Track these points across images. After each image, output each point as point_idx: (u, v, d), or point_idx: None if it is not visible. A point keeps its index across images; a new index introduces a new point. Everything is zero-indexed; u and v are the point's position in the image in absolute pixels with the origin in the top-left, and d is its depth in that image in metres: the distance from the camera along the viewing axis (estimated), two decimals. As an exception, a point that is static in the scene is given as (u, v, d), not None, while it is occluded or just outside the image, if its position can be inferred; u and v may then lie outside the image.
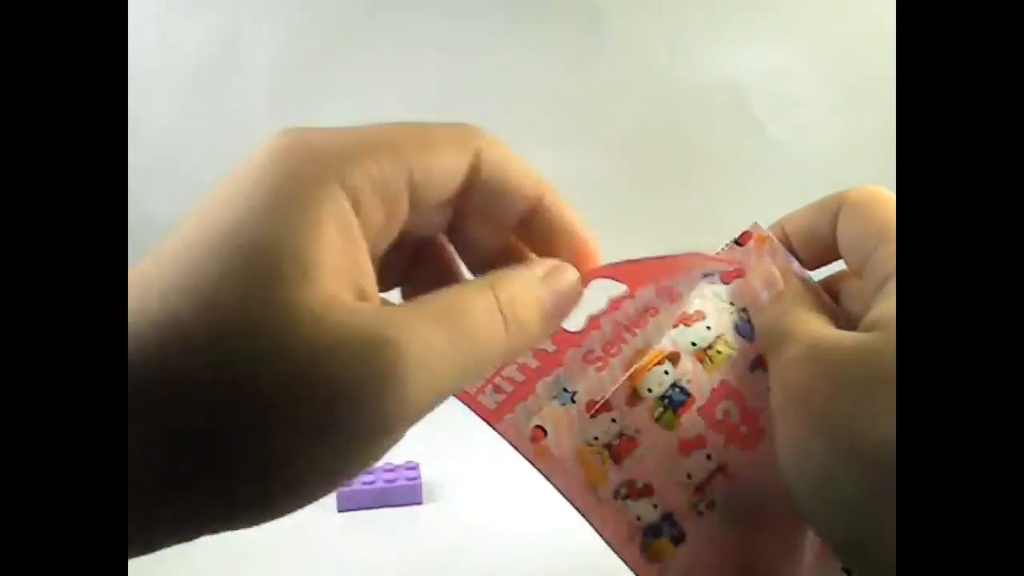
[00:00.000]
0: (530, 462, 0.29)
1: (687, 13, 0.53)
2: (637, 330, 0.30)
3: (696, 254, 0.30)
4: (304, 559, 0.38)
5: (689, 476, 0.29)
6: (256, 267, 0.19)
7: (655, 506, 0.28)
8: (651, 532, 0.29)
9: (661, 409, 0.29)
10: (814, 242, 0.27)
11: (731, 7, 0.53)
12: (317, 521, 0.42)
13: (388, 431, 0.20)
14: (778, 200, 0.53)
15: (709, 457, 0.29)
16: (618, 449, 0.29)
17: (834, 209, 0.26)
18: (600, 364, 0.30)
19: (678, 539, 0.29)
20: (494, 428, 0.29)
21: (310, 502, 0.20)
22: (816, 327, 0.25)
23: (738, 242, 0.30)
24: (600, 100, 0.54)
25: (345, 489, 0.43)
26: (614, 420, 0.28)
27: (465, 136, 0.24)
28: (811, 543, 0.28)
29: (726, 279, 0.30)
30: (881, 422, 0.20)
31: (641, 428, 0.29)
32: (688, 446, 0.29)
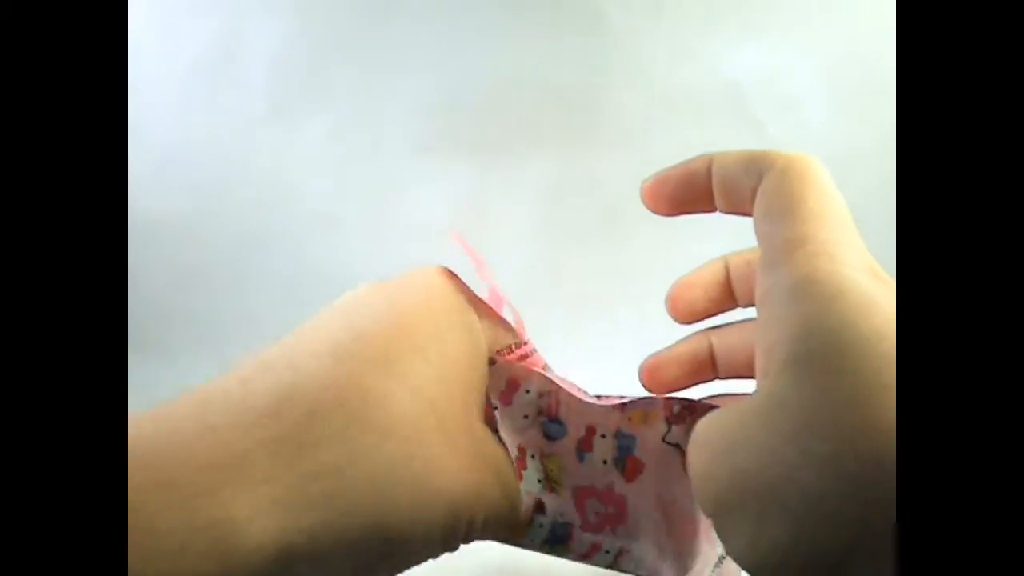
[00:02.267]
0: None
1: (687, 13, 0.53)
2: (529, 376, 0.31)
3: None
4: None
5: (597, 564, 0.30)
6: (435, 363, 0.25)
7: None
8: None
9: (549, 549, 0.31)
10: (730, 192, 0.26)
11: (731, 7, 0.53)
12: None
13: (469, 535, 0.26)
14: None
15: (607, 552, 0.30)
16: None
17: (761, 165, 0.25)
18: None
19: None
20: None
21: None
22: (710, 425, 0.24)
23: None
24: (600, 100, 0.54)
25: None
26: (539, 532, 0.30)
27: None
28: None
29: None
30: (834, 472, 0.19)
31: (537, 551, 0.30)
32: (587, 556, 0.31)
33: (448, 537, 0.25)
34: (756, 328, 0.23)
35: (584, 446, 0.31)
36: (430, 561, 0.39)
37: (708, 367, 0.30)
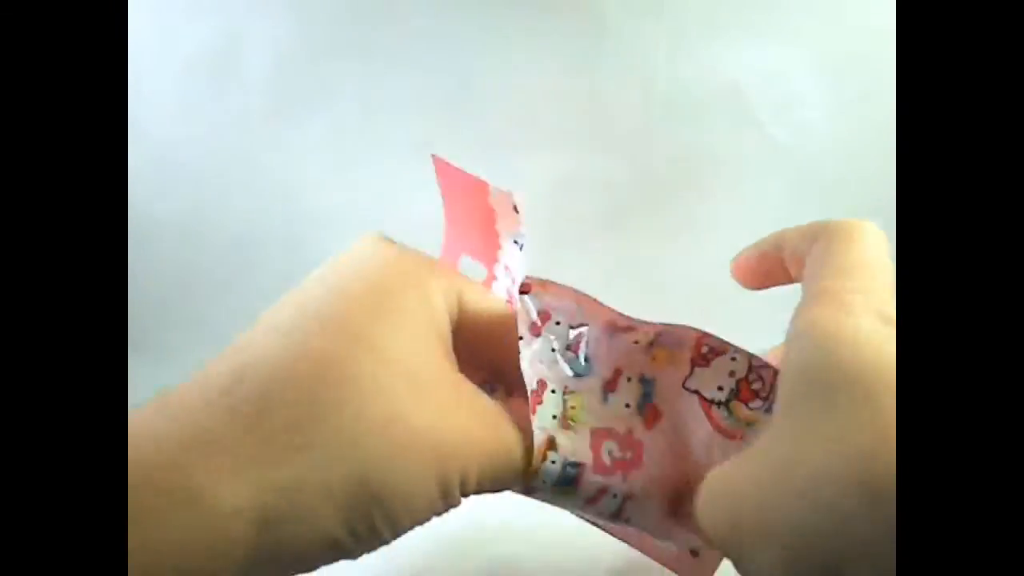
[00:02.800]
0: None
1: (687, 13, 0.53)
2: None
3: None
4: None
5: (602, 513, 0.30)
6: (397, 327, 0.25)
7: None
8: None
9: (560, 491, 0.30)
10: (796, 262, 0.28)
11: (731, 7, 0.53)
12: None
13: (464, 489, 0.27)
14: (778, 200, 0.53)
15: (615, 496, 0.30)
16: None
17: (815, 236, 0.26)
18: None
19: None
20: None
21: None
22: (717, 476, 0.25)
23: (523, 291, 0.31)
24: (600, 100, 0.54)
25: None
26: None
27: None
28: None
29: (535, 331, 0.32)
30: (827, 510, 0.20)
31: (548, 501, 0.30)
32: (594, 500, 0.30)
33: (445, 489, 0.25)
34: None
35: (609, 387, 0.31)
36: (431, 559, 0.39)
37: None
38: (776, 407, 0.23)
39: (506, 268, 0.32)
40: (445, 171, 0.33)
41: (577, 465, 0.29)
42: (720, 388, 0.30)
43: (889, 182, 0.27)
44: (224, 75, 0.54)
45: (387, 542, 0.25)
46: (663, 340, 0.31)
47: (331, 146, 0.56)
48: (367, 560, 0.39)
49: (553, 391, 0.31)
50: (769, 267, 0.29)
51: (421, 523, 0.26)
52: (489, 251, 0.32)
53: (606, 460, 0.30)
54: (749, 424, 0.30)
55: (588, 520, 0.32)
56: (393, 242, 0.28)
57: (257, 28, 0.53)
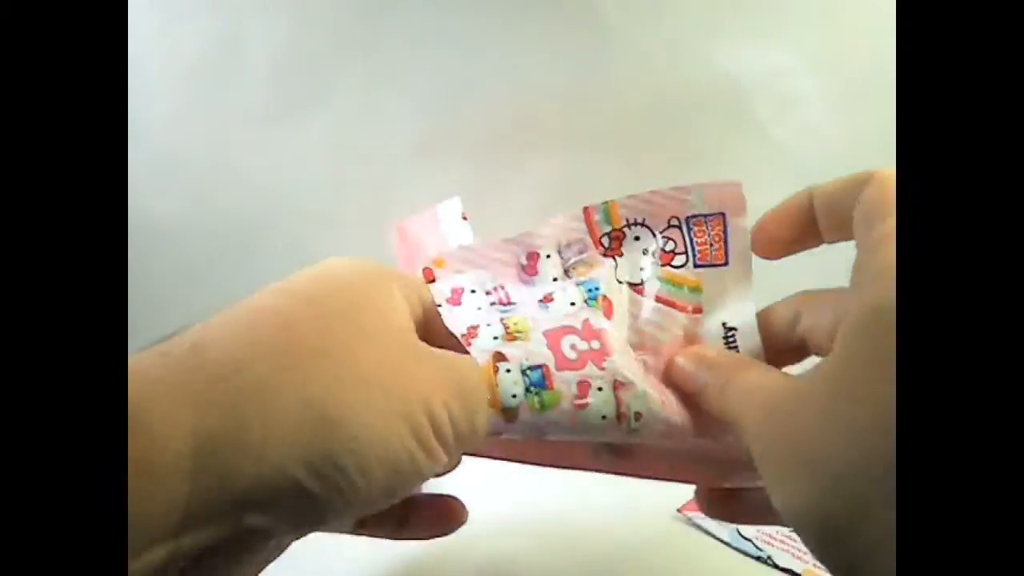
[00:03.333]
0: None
1: (687, 13, 0.53)
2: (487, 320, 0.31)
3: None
4: (304, 559, 0.38)
5: (603, 417, 0.28)
6: (348, 302, 0.26)
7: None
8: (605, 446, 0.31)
9: (536, 399, 0.28)
10: (833, 214, 0.28)
11: (731, 7, 0.53)
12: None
13: (438, 435, 0.25)
14: (778, 200, 0.53)
15: (600, 388, 0.28)
16: (549, 455, 0.31)
17: (862, 182, 0.26)
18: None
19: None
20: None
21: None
22: (750, 371, 0.26)
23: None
24: (600, 100, 0.54)
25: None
26: (513, 437, 0.28)
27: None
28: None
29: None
30: (860, 442, 0.20)
31: (540, 424, 0.28)
32: (580, 398, 0.28)
33: (414, 427, 0.24)
34: (845, 304, 0.24)
35: (545, 300, 0.31)
36: (429, 560, 0.39)
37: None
38: (841, 335, 0.23)
39: (465, 291, 0.32)
40: (403, 233, 0.34)
41: (539, 367, 0.28)
42: (642, 268, 0.31)
43: (889, 182, 0.27)
44: (224, 76, 0.54)
45: (366, 497, 0.23)
46: (569, 258, 0.32)
47: (331, 146, 0.56)
48: (365, 557, 0.39)
49: (488, 324, 0.30)
50: (799, 229, 0.29)
51: (401, 474, 0.24)
52: (453, 296, 0.32)
53: (570, 354, 0.29)
54: (694, 290, 0.31)
55: (609, 466, 0.31)
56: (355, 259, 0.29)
57: (257, 28, 0.53)
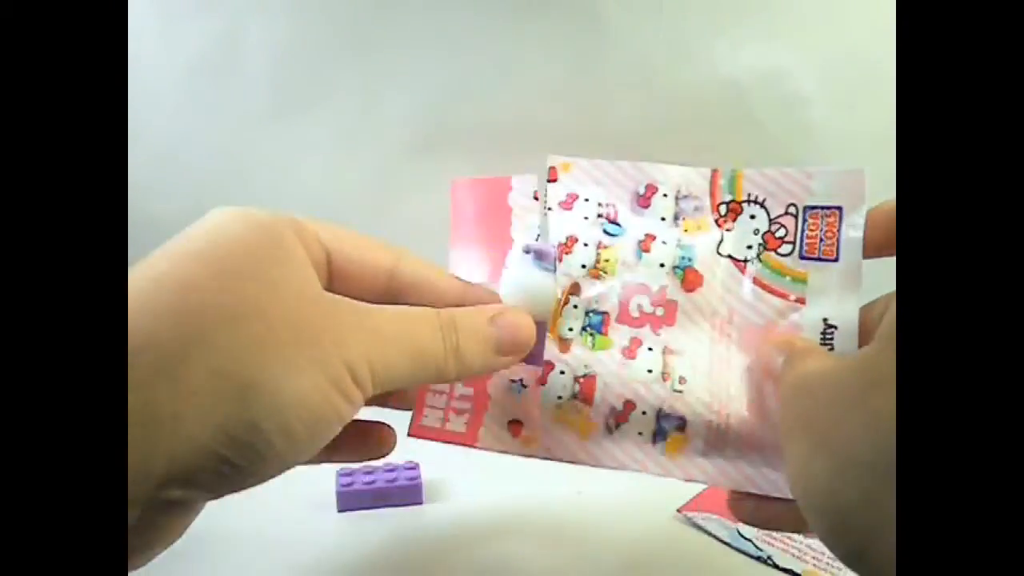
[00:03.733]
0: (523, 455, 0.31)
1: (687, 13, 0.53)
2: None
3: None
4: (304, 559, 0.38)
5: (649, 371, 0.31)
6: (259, 256, 0.24)
7: (644, 412, 0.30)
8: (659, 436, 0.30)
9: (589, 338, 0.31)
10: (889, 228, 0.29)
11: (731, 7, 0.53)
12: (317, 521, 0.42)
13: (356, 380, 0.24)
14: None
15: (651, 349, 0.31)
16: (583, 391, 0.31)
17: None
18: None
19: (681, 426, 0.30)
20: (474, 447, 0.31)
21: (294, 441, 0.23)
22: (811, 357, 0.27)
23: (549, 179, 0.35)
24: (600, 100, 0.54)
25: (345, 489, 0.43)
26: (562, 372, 0.30)
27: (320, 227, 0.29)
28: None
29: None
30: (878, 427, 0.21)
31: (587, 362, 0.31)
32: (630, 351, 0.31)
33: (334, 380, 0.24)
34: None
35: (643, 248, 0.32)
36: (428, 561, 0.39)
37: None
38: (883, 325, 0.24)
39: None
40: (462, 190, 0.35)
41: (602, 313, 0.31)
42: (749, 247, 0.32)
43: (889, 182, 0.27)
44: (224, 76, 0.54)
45: (291, 456, 0.23)
46: (684, 208, 0.33)
47: (331, 146, 0.56)
48: (364, 557, 0.39)
49: (585, 244, 0.33)
50: (890, 231, 0.29)
51: (325, 425, 0.24)
52: (499, 265, 0.33)
53: (634, 312, 0.32)
54: (796, 280, 0.31)
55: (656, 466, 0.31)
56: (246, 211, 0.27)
57: (257, 28, 0.53)
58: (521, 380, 0.32)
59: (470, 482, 0.45)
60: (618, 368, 0.31)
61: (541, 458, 0.31)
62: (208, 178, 0.56)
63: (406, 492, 0.43)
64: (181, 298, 0.22)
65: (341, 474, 0.43)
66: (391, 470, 0.44)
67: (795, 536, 0.38)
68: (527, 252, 0.31)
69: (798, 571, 0.36)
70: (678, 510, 0.41)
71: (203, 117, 0.55)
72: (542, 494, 0.43)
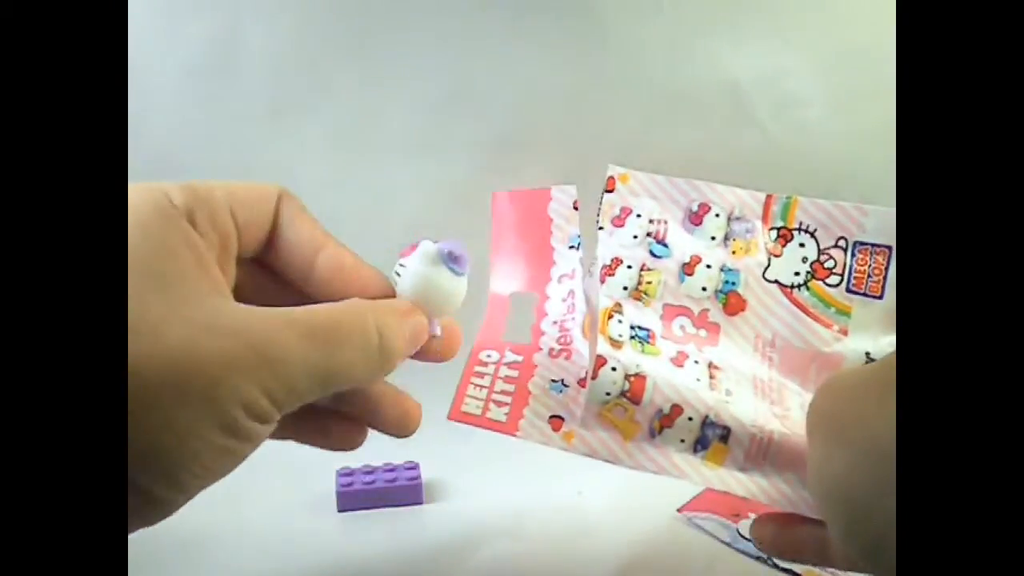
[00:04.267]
0: (563, 449, 0.31)
1: (687, 13, 0.53)
2: (572, 314, 0.34)
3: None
4: (304, 559, 0.38)
5: (698, 379, 0.31)
6: (146, 289, 0.22)
7: (690, 419, 0.30)
8: (700, 445, 0.30)
9: (639, 344, 0.32)
10: None
11: (731, 7, 0.53)
12: (317, 521, 0.42)
13: (258, 417, 0.23)
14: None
15: (696, 362, 0.32)
16: (632, 390, 0.30)
17: None
18: (565, 353, 0.33)
19: (725, 436, 0.30)
20: (515, 436, 0.31)
21: (197, 479, 0.22)
22: (840, 374, 0.27)
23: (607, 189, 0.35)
24: (600, 100, 0.54)
25: (345, 489, 0.43)
26: (614, 368, 0.30)
27: (268, 189, 0.29)
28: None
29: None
30: (894, 423, 0.21)
31: (639, 362, 0.31)
32: (677, 361, 0.32)
33: (234, 430, 0.23)
34: None
35: (687, 270, 0.33)
36: (428, 561, 0.39)
37: None
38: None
39: (564, 276, 0.35)
40: (502, 202, 0.36)
41: (646, 330, 0.32)
42: (796, 273, 0.33)
43: (889, 182, 0.27)
44: (223, 76, 0.54)
45: (186, 497, 0.23)
46: (735, 230, 0.34)
47: (330, 146, 0.56)
48: (364, 557, 0.39)
49: (629, 267, 0.33)
50: None
51: (219, 467, 0.23)
52: (541, 273, 0.35)
53: (677, 332, 0.33)
54: (841, 312, 0.32)
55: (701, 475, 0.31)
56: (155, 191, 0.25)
57: (257, 28, 0.54)
58: (563, 380, 0.32)
59: (470, 482, 0.45)
60: (668, 372, 0.31)
61: (581, 454, 0.31)
62: (207, 178, 0.56)
63: (406, 492, 0.43)
64: None
65: (341, 474, 0.43)
66: (391, 470, 0.44)
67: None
68: (442, 252, 0.29)
69: (799, 572, 0.36)
70: (678, 510, 0.41)
71: (203, 117, 0.55)
72: (542, 494, 0.43)
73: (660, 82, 0.54)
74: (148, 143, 0.54)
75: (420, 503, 0.43)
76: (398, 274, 0.29)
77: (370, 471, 0.44)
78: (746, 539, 0.38)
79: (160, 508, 0.22)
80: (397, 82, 0.55)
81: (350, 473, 0.43)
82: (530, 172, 0.55)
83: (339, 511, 0.43)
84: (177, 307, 0.23)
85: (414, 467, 0.44)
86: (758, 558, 0.37)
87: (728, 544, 0.39)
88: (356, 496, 0.42)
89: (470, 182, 0.55)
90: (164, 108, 0.55)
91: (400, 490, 0.43)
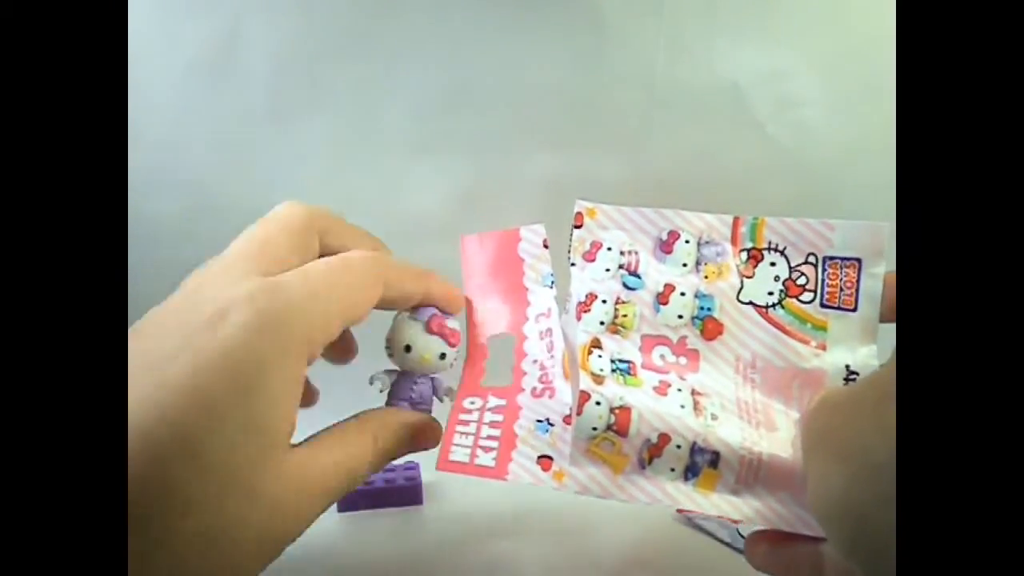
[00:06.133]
0: (556, 488, 0.31)
1: (687, 13, 0.53)
2: (551, 352, 0.33)
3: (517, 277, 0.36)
4: (304, 559, 0.38)
5: (682, 406, 0.31)
6: (249, 441, 0.25)
7: (678, 446, 0.30)
8: (691, 472, 0.30)
9: (620, 377, 0.32)
10: None
11: (731, 7, 0.53)
12: (317, 521, 0.42)
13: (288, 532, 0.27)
14: (778, 200, 0.53)
15: (680, 390, 0.32)
16: (618, 422, 0.31)
17: None
18: (548, 391, 0.33)
19: (714, 461, 0.31)
20: (505, 480, 0.32)
21: None
22: (830, 393, 0.27)
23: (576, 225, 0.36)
24: (600, 100, 0.54)
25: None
26: (598, 403, 0.30)
27: (377, 274, 0.31)
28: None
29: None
30: (890, 433, 0.21)
31: (622, 394, 0.31)
32: (660, 390, 0.32)
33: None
34: None
35: (661, 300, 0.34)
36: (428, 561, 0.39)
37: None
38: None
39: (540, 315, 0.35)
40: (472, 245, 0.36)
41: (627, 362, 0.32)
42: (770, 293, 0.33)
43: (889, 182, 0.27)
44: (224, 75, 0.54)
45: None
46: (705, 254, 0.34)
47: (330, 146, 0.56)
48: (363, 557, 0.39)
49: (604, 301, 0.34)
50: None
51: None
52: (517, 314, 0.35)
53: (658, 362, 0.33)
54: (817, 328, 0.32)
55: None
56: (272, 298, 0.27)
57: (257, 28, 0.53)
58: (548, 419, 0.32)
59: (470, 482, 0.44)
60: (652, 402, 0.31)
61: (573, 493, 0.31)
62: (208, 178, 0.56)
63: (406, 493, 0.43)
64: (180, 449, 0.23)
65: (341, 474, 0.43)
66: (390, 471, 0.44)
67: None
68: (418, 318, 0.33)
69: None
70: (678, 510, 0.41)
71: (203, 117, 0.55)
72: (542, 494, 0.43)
73: (660, 82, 0.54)
74: (148, 143, 0.54)
75: (420, 503, 0.43)
76: (381, 387, 0.33)
77: (370, 471, 0.44)
78: (713, 514, 0.39)
79: None
80: (397, 82, 0.55)
81: (350, 473, 0.43)
82: (530, 172, 0.55)
83: (339, 511, 0.43)
84: (275, 461, 0.26)
85: (414, 467, 0.44)
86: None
87: (728, 544, 0.39)
88: (356, 497, 0.43)
89: (470, 182, 0.55)
90: (164, 108, 0.55)
91: (400, 491, 0.43)
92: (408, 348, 0.32)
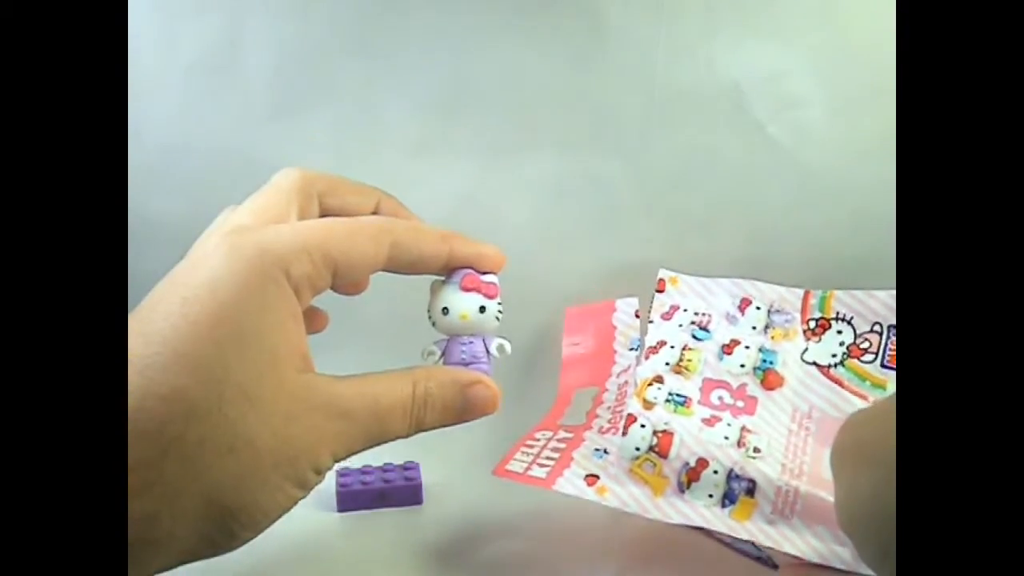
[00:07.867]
0: (597, 501, 0.34)
1: (686, 13, 0.53)
2: (625, 400, 0.37)
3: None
4: (304, 559, 0.38)
5: (726, 437, 0.33)
6: (244, 355, 0.25)
7: (715, 472, 0.32)
8: (728, 500, 0.32)
9: (672, 406, 0.34)
10: None
11: (731, 7, 0.53)
12: (317, 521, 0.42)
13: (321, 474, 0.28)
14: (778, 200, 0.53)
15: (729, 424, 0.34)
16: (660, 444, 0.33)
17: None
18: (613, 430, 0.35)
19: (751, 489, 0.32)
20: (551, 489, 0.34)
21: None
22: (862, 412, 0.28)
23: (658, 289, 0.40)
24: (600, 100, 0.54)
25: (345, 489, 0.43)
26: (643, 425, 0.32)
27: (382, 230, 0.31)
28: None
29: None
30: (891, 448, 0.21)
31: (668, 419, 0.33)
32: (710, 422, 0.34)
33: (300, 483, 0.27)
34: None
35: (726, 351, 0.37)
36: (428, 561, 0.39)
37: None
38: None
39: (622, 372, 0.38)
40: (574, 315, 0.41)
41: (684, 396, 0.35)
42: (834, 355, 0.35)
43: (889, 182, 0.27)
44: (225, 75, 0.54)
45: (253, 537, 0.27)
46: (775, 320, 0.37)
47: (331, 146, 0.56)
48: (363, 557, 0.39)
49: (672, 347, 0.36)
50: None
51: (283, 513, 0.27)
52: (603, 372, 0.39)
53: (715, 401, 0.35)
54: (877, 386, 0.34)
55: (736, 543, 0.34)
56: (245, 235, 0.28)
57: (258, 28, 0.53)
58: (605, 449, 0.35)
59: (470, 482, 0.45)
60: (697, 430, 0.33)
61: (613, 507, 0.33)
62: (208, 178, 0.56)
63: (405, 492, 0.43)
64: (184, 425, 0.24)
65: (340, 474, 0.43)
66: (390, 471, 0.44)
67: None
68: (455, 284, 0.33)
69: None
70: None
71: (203, 117, 0.55)
72: (542, 494, 0.43)
73: (660, 82, 0.54)
74: (148, 143, 0.54)
75: (420, 503, 0.43)
76: (433, 358, 0.32)
77: (369, 471, 0.44)
78: (746, 539, 0.39)
79: (234, 546, 0.27)
80: (398, 82, 0.55)
81: (349, 473, 0.43)
82: (530, 172, 0.55)
83: (339, 511, 0.43)
84: (278, 375, 0.26)
85: (413, 467, 0.44)
86: (758, 558, 0.37)
87: (728, 544, 0.39)
88: (356, 496, 0.42)
89: (470, 182, 0.55)
90: (164, 108, 0.55)
91: (400, 490, 0.43)
92: (445, 311, 0.32)
